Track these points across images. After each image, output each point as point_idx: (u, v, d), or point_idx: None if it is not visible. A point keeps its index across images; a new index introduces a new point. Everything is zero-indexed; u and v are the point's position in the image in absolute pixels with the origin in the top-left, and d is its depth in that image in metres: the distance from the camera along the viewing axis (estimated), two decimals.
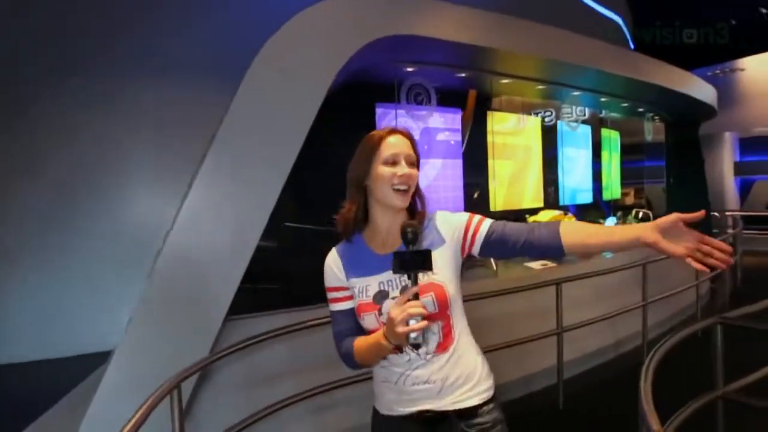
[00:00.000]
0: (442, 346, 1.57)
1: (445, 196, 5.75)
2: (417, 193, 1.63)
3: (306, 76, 3.67)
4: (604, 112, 9.26)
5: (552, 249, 1.50)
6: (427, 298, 1.52)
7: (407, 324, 1.36)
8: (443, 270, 1.57)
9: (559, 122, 8.07)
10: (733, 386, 3.21)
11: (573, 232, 1.49)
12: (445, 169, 5.80)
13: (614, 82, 6.85)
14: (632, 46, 10.93)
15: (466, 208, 5.62)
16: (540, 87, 6.71)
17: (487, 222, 1.60)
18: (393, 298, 1.53)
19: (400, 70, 5.26)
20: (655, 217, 7.38)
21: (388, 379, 1.61)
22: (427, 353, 1.56)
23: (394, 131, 1.63)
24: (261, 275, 4.15)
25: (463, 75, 5.65)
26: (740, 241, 10.16)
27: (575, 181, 8.06)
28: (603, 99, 8.01)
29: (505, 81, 6.12)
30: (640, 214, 8.89)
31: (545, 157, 7.65)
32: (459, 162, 5.92)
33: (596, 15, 9.85)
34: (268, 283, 4.75)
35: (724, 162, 15.40)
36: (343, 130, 5.61)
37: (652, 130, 10.16)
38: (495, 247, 1.58)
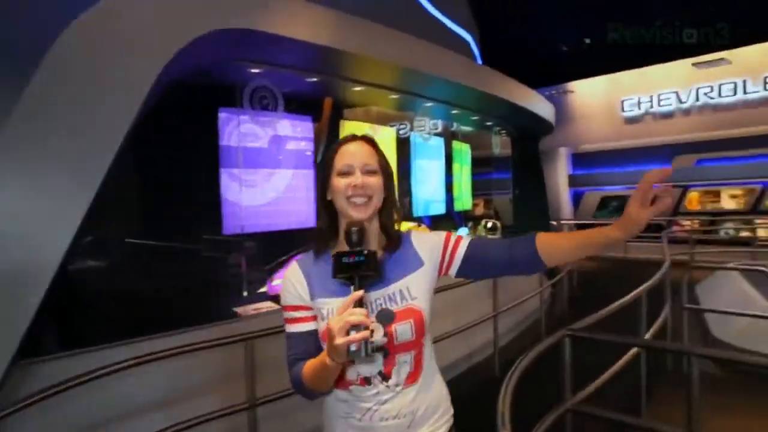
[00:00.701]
0: (413, 377, 1.46)
1: (296, 209, 5.38)
2: (390, 205, 1.52)
3: (123, 69, 3.11)
4: (455, 124, 9.51)
5: (533, 264, 1.44)
6: (405, 325, 1.42)
7: (347, 334, 1.23)
8: (422, 294, 1.46)
9: (412, 134, 8.09)
10: (579, 396, 3.24)
11: (549, 242, 1.42)
12: (297, 180, 5.43)
13: (465, 94, 6.99)
14: (480, 63, 11.46)
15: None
16: (394, 96, 6.63)
17: (466, 241, 1.52)
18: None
19: (244, 71, 4.81)
20: (503, 228, 7.59)
21: (351, 415, 1.45)
22: (397, 385, 1.43)
23: (353, 138, 1.52)
24: (89, 301, 3.52)
25: (314, 80, 5.34)
26: None
27: (428, 193, 8.13)
28: (454, 111, 8.19)
29: (358, 89, 5.93)
30: (489, 224, 9.25)
31: (399, 168, 7.62)
32: (311, 173, 5.58)
33: (446, 30, 10.12)
34: (98, 310, 4.09)
35: (560, 175, 16.86)
36: (184, 135, 5.05)
37: (499, 144, 10.67)
38: (475, 268, 1.51)
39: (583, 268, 11.43)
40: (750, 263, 8.48)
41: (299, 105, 5.56)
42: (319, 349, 1.41)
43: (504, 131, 10.47)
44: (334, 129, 6.11)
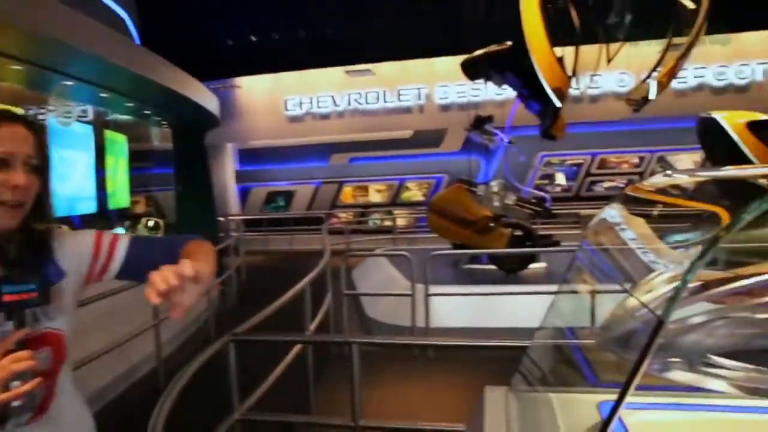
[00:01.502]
0: (42, 409, 1.17)
1: None
2: (44, 206, 1.22)
3: None
4: (108, 112, 8.38)
5: None
6: (44, 354, 1.15)
7: (8, 388, 0.99)
8: (63, 311, 1.21)
9: (51, 119, 6.77)
10: (248, 404, 3.04)
11: (193, 251, 1.24)
12: None
13: (115, 73, 6.11)
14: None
15: None
16: (18, 68, 5.35)
17: (125, 240, 1.32)
18: None
19: None
20: (167, 226, 6.94)
21: None
22: (18, 424, 1.10)
23: (9, 119, 1.15)
24: None
25: None
26: (242, 242, 11.01)
27: (73, 189, 6.92)
28: (104, 95, 7.15)
29: None
30: (151, 223, 8.45)
31: None
32: None
33: (97, 3, 8.85)
34: None
35: (227, 171, 16.72)
36: None
37: (160, 136, 9.86)
38: (139, 270, 1.20)
39: (252, 263, 11.50)
40: (393, 249, 9.76)
41: None
42: None
43: (165, 122, 9.71)
44: None
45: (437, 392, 4.57)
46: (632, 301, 1.58)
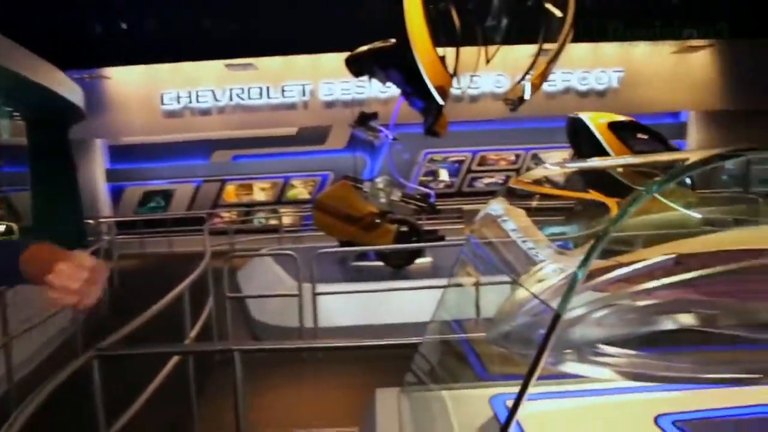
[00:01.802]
0: None
1: None
2: None
3: None
4: None
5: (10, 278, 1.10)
6: None
7: None
8: None
9: None
10: (118, 425, 2.73)
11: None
12: None
13: None
14: None
15: None
16: None
17: None
18: None
19: None
20: (22, 230, 6.20)
21: None
22: None
23: None
24: None
25: None
26: (115, 246, 10.20)
27: None
28: None
29: None
30: (1, 227, 7.52)
31: None
32: None
33: None
34: None
35: (96, 169, 15.39)
36: None
37: (12, 129, 8.79)
38: None
39: (126, 268, 10.66)
40: (279, 248, 9.50)
41: None
42: None
43: (17, 114, 8.67)
44: None
45: (329, 395, 4.47)
46: (521, 294, 1.57)
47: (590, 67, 15.08)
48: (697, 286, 1.36)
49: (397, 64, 7.35)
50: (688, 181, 6.22)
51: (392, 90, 9.74)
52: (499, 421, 1.67)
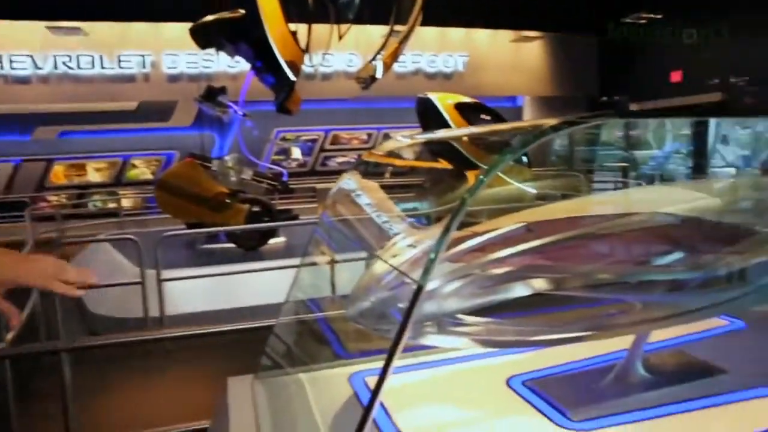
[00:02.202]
0: None
1: None
2: None
3: None
4: None
5: None
6: None
7: None
8: None
9: None
10: None
11: None
12: None
13: None
14: None
15: None
16: None
17: None
18: None
19: None
20: None
21: None
22: None
23: None
24: None
25: None
26: None
27: None
28: None
29: None
30: None
31: None
32: None
33: None
34: None
35: None
36: None
37: None
38: None
39: None
40: (119, 233, 8.71)
41: None
42: None
43: None
44: None
45: (179, 388, 4.18)
46: (378, 269, 1.53)
47: (438, 50, 15.72)
48: (546, 252, 1.42)
49: (246, 37, 7.00)
50: (524, 159, 6.74)
51: (242, 64, 9.29)
52: (359, 399, 1.63)
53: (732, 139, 10.83)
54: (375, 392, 0.96)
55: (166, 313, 5.17)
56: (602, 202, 2.33)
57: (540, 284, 1.26)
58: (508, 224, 1.58)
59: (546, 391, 1.62)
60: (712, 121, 9.16)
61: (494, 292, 1.28)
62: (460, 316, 1.32)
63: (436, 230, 1.24)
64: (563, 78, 16.59)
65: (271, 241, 7.32)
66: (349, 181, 2.12)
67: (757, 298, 1.48)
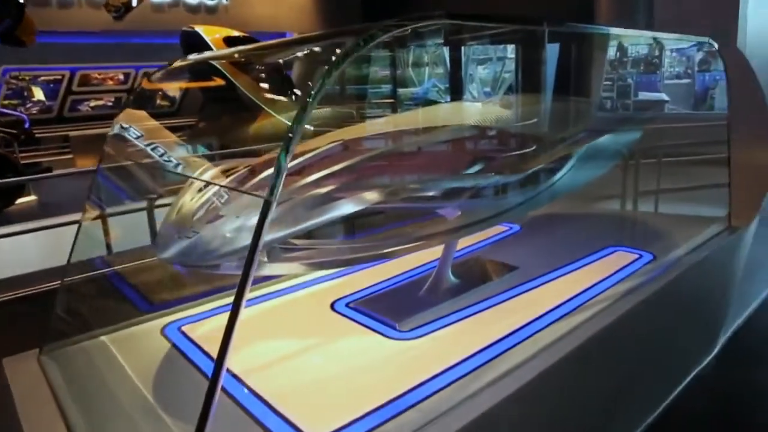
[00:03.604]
0: None
1: None
2: None
3: None
4: None
5: None
6: None
7: None
8: None
9: None
10: None
11: None
12: None
13: None
14: None
15: None
16: None
17: None
18: None
19: None
20: None
21: None
22: None
23: None
24: None
25: None
26: None
27: None
28: None
29: None
30: None
31: None
32: None
33: None
34: None
35: None
36: None
37: None
38: None
39: None
40: None
41: None
42: None
43: None
44: None
45: None
46: (187, 205, 1.37)
47: None
48: (363, 168, 1.41)
49: None
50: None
51: None
52: (179, 349, 1.49)
53: (476, 77, 12.23)
54: (227, 333, 0.86)
55: None
56: (407, 118, 2.41)
57: (362, 202, 1.25)
58: (326, 143, 1.53)
59: (370, 308, 1.66)
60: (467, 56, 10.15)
61: (320, 214, 1.24)
62: (292, 241, 1.25)
63: (234, 163, 1.15)
64: (329, 14, 16.69)
65: (20, 200, 6.22)
66: (126, 121, 1.86)
67: (546, 196, 1.69)
